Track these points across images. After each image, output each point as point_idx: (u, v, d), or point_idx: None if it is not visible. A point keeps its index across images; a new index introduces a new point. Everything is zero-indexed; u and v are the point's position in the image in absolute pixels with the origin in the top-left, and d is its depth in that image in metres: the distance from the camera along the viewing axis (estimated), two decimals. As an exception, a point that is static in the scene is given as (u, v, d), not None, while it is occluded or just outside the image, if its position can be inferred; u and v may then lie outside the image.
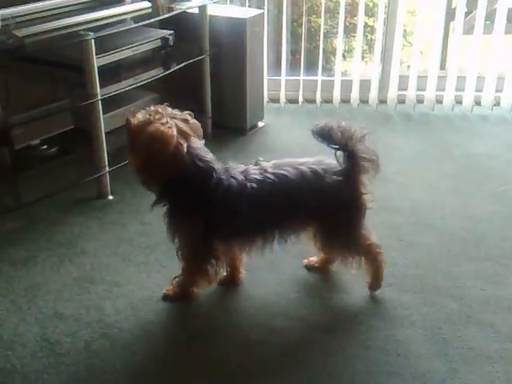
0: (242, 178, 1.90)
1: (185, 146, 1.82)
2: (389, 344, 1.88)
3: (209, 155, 1.91)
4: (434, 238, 2.40)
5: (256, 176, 1.91)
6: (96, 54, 2.48)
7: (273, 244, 1.99)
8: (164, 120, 1.81)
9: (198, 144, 1.90)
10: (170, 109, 1.89)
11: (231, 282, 2.13)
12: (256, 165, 1.97)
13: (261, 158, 1.99)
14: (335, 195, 1.93)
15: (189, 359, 1.82)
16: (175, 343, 1.88)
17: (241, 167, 1.95)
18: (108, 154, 2.64)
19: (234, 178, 1.90)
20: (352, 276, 2.13)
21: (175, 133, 1.80)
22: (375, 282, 2.07)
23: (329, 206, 1.94)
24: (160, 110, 1.85)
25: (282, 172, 1.91)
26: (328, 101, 3.64)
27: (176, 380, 1.75)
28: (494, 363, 1.80)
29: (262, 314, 2.00)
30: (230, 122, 3.29)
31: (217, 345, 1.87)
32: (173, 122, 1.83)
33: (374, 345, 1.87)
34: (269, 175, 1.91)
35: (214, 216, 1.89)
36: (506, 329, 1.93)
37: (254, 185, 1.89)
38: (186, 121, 1.88)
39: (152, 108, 1.89)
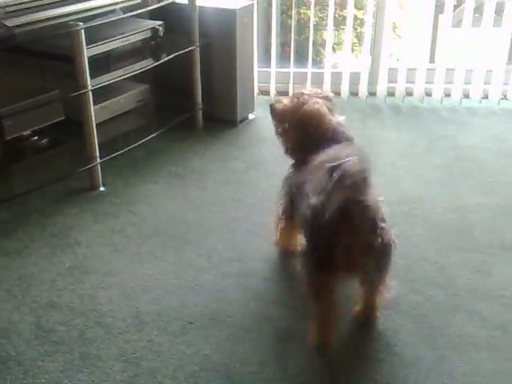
0: None
1: (335, 122, 1.96)
2: (378, 332, 1.91)
3: (349, 134, 1.98)
4: (423, 229, 2.44)
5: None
6: (86, 45, 2.48)
7: None
8: (314, 100, 1.97)
9: (342, 121, 2.01)
10: (310, 88, 2.06)
11: None
12: None
13: None
14: None
15: (181, 346, 1.85)
16: (168, 332, 1.90)
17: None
18: (99, 145, 2.65)
19: None
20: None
21: (326, 111, 1.96)
22: None
23: None
24: (306, 92, 2.02)
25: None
26: (318, 93, 3.66)
27: (169, 367, 1.78)
28: (481, 350, 1.84)
29: (254, 303, 2.03)
30: (220, 113, 3.30)
31: (210, 333, 1.90)
32: (320, 101, 1.98)
33: (363, 333, 1.91)
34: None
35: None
36: (493, 317, 1.97)
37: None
38: (327, 98, 2.04)
39: (296, 91, 2.07)
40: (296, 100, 2.01)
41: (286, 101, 2.06)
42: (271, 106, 2.11)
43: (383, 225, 1.72)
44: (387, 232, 1.74)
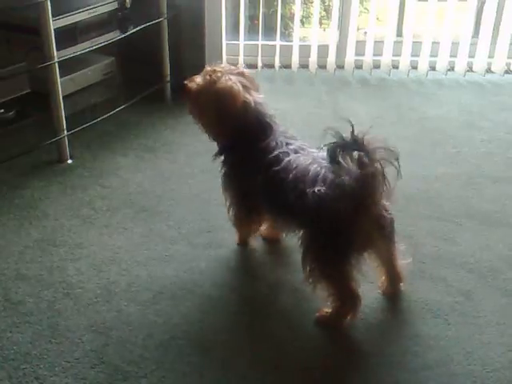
0: (280, 148, 1.85)
1: (251, 100, 1.86)
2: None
3: (270, 111, 1.93)
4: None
5: (285, 154, 1.83)
6: (52, 16, 2.44)
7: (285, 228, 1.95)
8: (226, 77, 1.86)
9: (260, 98, 1.92)
10: (224, 65, 1.95)
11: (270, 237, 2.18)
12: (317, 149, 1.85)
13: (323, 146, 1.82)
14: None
15: (151, 316, 1.86)
16: (138, 302, 1.91)
17: (292, 140, 1.89)
18: (66, 117, 2.61)
19: (276, 143, 1.86)
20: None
21: (240, 88, 1.85)
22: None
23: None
24: (218, 69, 1.90)
25: (299, 163, 1.78)
26: (287, 66, 3.66)
27: (139, 336, 1.79)
28: (445, 315, 1.88)
29: (224, 273, 2.05)
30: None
31: (180, 303, 1.91)
32: (234, 77, 1.87)
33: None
34: (292, 159, 1.81)
35: (247, 173, 1.92)
36: (458, 283, 2.02)
37: (275, 158, 1.83)
38: (242, 74, 1.92)
39: (208, 69, 1.93)
40: (208, 78, 1.89)
41: (198, 79, 1.92)
42: (184, 85, 1.95)
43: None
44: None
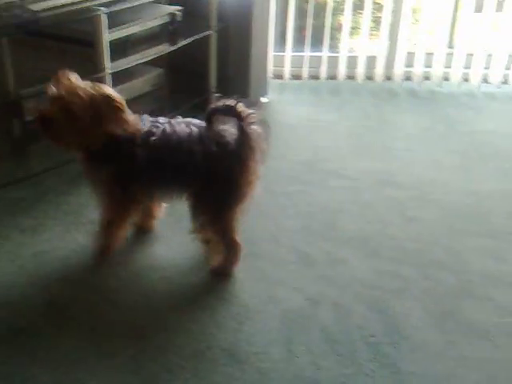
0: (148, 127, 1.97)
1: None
2: (387, 316, 1.90)
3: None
4: (437, 214, 2.41)
5: (156, 127, 1.96)
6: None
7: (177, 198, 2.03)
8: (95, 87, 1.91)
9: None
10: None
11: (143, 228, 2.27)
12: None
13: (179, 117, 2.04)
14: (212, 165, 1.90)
15: (187, 324, 1.86)
16: (175, 309, 1.92)
17: (155, 118, 2.02)
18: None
19: (143, 124, 1.98)
20: (347, 248, 2.16)
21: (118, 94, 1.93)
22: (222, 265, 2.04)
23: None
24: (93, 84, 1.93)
25: (177, 129, 1.95)
26: (333, 77, 3.63)
27: (175, 343, 1.78)
28: (492, 337, 1.82)
29: (261, 284, 2.04)
30: (233, 96, 3.29)
31: (216, 312, 1.91)
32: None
33: (373, 316, 1.90)
34: (166, 128, 1.95)
35: (124, 161, 1.96)
36: (506, 303, 1.95)
37: (148, 134, 1.95)
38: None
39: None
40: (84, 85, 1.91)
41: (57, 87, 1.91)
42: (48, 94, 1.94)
43: None
44: None
